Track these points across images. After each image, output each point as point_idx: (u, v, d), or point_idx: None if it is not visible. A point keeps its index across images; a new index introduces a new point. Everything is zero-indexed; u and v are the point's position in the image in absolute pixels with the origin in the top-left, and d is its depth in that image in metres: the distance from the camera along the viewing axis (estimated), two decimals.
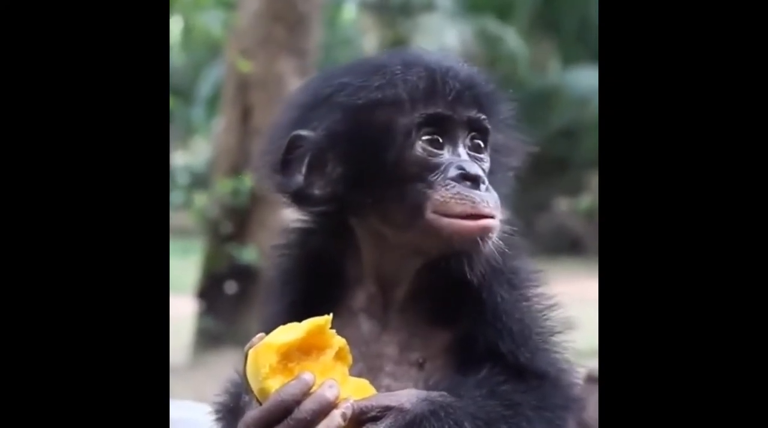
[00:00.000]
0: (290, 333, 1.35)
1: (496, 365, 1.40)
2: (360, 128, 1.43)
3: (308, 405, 1.31)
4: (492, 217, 1.39)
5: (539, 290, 1.47)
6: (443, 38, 15.47)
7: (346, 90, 1.45)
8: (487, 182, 1.41)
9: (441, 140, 1.43)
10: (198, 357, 8.39)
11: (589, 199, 15.53)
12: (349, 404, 1.32)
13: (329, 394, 1.32)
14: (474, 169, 1.41)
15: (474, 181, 1.40)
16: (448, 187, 1.39)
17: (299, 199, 1.48)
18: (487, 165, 1.46)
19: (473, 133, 1.46)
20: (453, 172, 1.41)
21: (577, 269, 10.06)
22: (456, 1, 16.34)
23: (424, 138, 1.43)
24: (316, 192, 1.46)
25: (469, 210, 1.38)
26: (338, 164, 1.45)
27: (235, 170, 8.60)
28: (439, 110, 1.43)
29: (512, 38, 16.03)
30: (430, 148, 1.43)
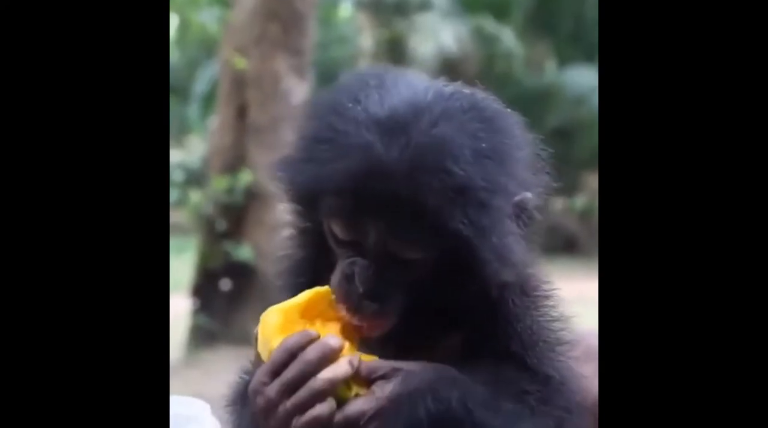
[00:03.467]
0: (295, 299, 1.36)
1: (503, 361, 1.39)
2: None
3: (313, 350, 1.30)
4: None
5: (549, 299, 1.46)
6: (439, 37, 15.49)
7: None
8: None
9: None
10: (192, 354, 8.40)
11: (584, 198, 15.55)
12: (356, 355, 1.31)
13: (333, 342, 1.30)
14: None
15: None
16: None
17: None
18: None
19: None
20: None
21: (573, 268, 10.07)
22: (452, 0, 16.36)
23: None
24: None
25: None
26: None
27: (231, 168, 8.61)
28: None
29: (508, 37, 16.06)
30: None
